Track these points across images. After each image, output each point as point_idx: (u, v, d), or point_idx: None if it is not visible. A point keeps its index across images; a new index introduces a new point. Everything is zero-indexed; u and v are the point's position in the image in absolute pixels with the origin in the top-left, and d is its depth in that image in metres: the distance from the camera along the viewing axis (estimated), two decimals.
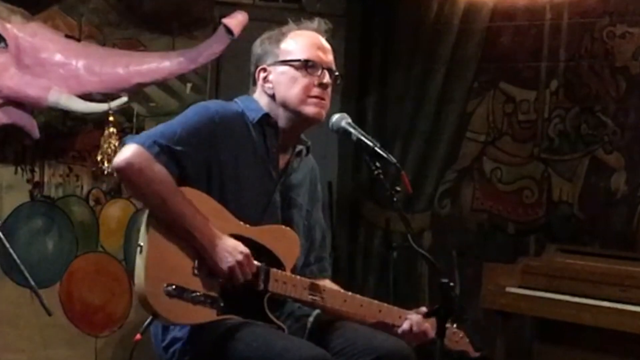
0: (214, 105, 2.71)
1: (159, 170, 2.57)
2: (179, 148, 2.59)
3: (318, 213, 2.92)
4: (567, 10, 4.62)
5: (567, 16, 4.62)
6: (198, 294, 2.59)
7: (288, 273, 2.66)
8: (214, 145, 2.64)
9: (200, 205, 2.62)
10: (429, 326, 2.71)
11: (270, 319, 2.64)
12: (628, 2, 4.41)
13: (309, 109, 2.70)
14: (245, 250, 2.59)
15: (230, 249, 2.58)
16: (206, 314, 2.59)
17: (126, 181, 2.65)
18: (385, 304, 2.76)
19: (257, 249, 2.64)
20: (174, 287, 2.56)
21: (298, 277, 2.68)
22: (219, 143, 2.65)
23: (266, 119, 2.72)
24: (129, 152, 2.57)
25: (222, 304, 2.60)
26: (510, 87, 4.82)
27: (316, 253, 2.89)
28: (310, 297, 2.68)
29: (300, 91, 2.69)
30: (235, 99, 2.80)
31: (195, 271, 2.60)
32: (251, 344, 2.55)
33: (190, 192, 2.62)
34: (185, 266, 2.60)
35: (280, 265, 2.66)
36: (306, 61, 2.70)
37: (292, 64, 2.71)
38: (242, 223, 2.66)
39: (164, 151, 2.58)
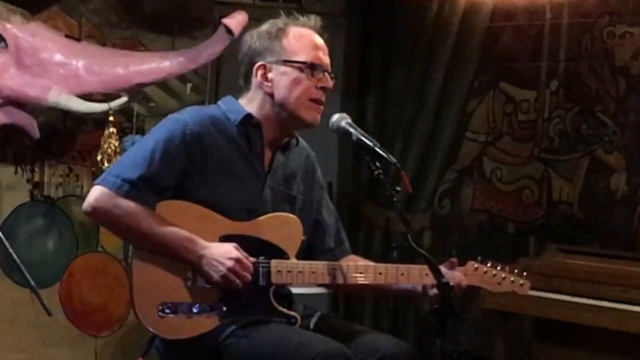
0: (185, 116, 2.68)
1: (126, 205, 2.57)
2: (153, 172, 2.58)
3: (323, 198, 2.90)
4: (567, 10, 4.62)
5: (567, 16, 4.62)
6: (194, 305, 2.59)
7: (292, 260, 2.65)
8: (191, 156, 2.62)
9: (183, 216, 2.61)
10: (461, 275, 2.70)
11: (280, 311, 2.64)
12: (628, 2, 4.40)
13: (308, 114, 2.70)
14: (236, 254, 2.57)
15: (219, 258, 2.57)
16: (206, 324, 2.58)
17: (98, 224, 2.69)
18: (406, 265, 2.70)
19: (255, 244, 2.63)
20: (166, 304, 2.56)
21: (303, 262, 2.66)
22: (195, 153, 2.63)
23: (248, 119, 2.71)
24: (92, 196, 2.61)
25: (224, 309, 2.60)
26: (510, 87, 4.82)
27: (334, 236, 2.89)
28: (320, 279, 2.68)
29: (302, 94, 2.68)
30: (218, 102, 2.80)
31: (189, 283, 2.60)
32: (265, 340, 2.54)
33: (170, 206, 2.61)
34: (176, 281, 2.59)
35: (283, 254, 2.65)
36: (311, 64, 2.69)
37: (296, 65, 2.70)
38: (233, 221, 2.65)
39: (137, 185, 2.57)
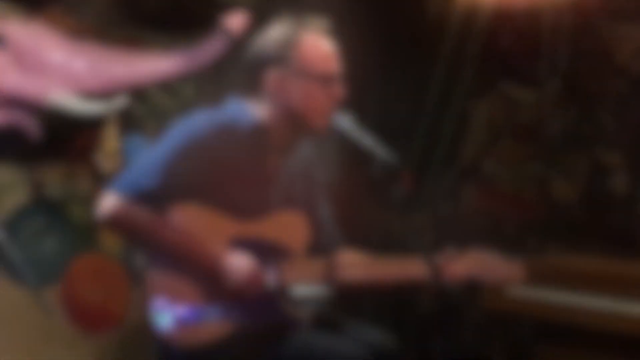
0: (197, 122, 2.69)
1: (142, 214, 2.59)
2: (169, 180, 2.60)
3: (318, 192, 2.95)
4: (567, 10, 4.62)
5: (567, 16, 4.62)
6: (207, 312, 2.60)
7: (301, 260, 2.70)
8: (204, 162, 2.64)
9: (193, 220, 2.63)
10: (459, 268, 2.81)
11: (288, 314, 2.67)
12: (629, 2, 4.41)
13: (320, 123, 2.71)
14: (250, 265, 2.59)
15: (235, 269, 2.59)
16: (219, 330, 2.61)
17: (112, 231, 2.71)
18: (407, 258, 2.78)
19: (263, 245, 2.66)
20: (181, 313, 2.58)
21: (311, 261, 2.70)
22: (209, 158, 2.64)
23: (258, 125, 2.72)
24: (107, 204, 2.60)
25: (235, 314, 2.62)
26: (510, 87, 4.82)
27: (327, 232, 2.93)
28: (328, 276, 2.70)
29: (318, 106, 2.69)
30: (225, 105, 2.80)
31: (201, 290, 2.61)
32: (291, 346, 2.58)
33: (181, 209, 2.63)
34: (189, 289, 2.61)
35: (291, 254, 2.67)
36: (326, 75, 2.69)
37: (311, 77, 2.69)
38: (242, 224, 2.67)
39: (153, 193, 2.59)
